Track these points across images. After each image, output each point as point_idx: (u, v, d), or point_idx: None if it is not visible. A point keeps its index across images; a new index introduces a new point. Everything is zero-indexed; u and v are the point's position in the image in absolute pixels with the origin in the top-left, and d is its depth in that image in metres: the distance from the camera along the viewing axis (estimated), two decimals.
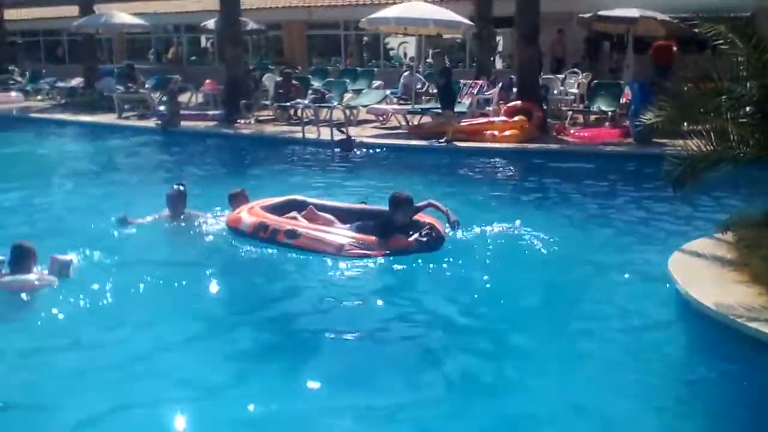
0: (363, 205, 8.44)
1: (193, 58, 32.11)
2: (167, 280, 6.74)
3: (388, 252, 7.14)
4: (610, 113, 16.13)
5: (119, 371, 5.05)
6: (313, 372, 5.19)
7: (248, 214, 8.00)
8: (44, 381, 5.02)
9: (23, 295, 6.18)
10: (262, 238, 7.65)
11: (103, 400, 4.67)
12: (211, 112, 19.33)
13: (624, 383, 5.05)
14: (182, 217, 8.34)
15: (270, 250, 7.50)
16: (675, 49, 15.85)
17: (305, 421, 4.55)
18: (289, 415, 4.61)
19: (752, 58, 5.99)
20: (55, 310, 6.00)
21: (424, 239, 7.24)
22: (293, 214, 8.13)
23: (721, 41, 6.30)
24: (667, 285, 6.22)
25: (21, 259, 6.31)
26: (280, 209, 8.26)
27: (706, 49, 21.94)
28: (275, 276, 7.09)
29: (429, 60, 24.22)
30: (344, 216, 8.09)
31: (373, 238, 7.26)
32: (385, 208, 7.65)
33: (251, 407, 4.67)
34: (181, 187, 8.38)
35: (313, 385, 5.02)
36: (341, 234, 7.50)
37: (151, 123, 18.03)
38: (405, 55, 30.59)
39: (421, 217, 7.66)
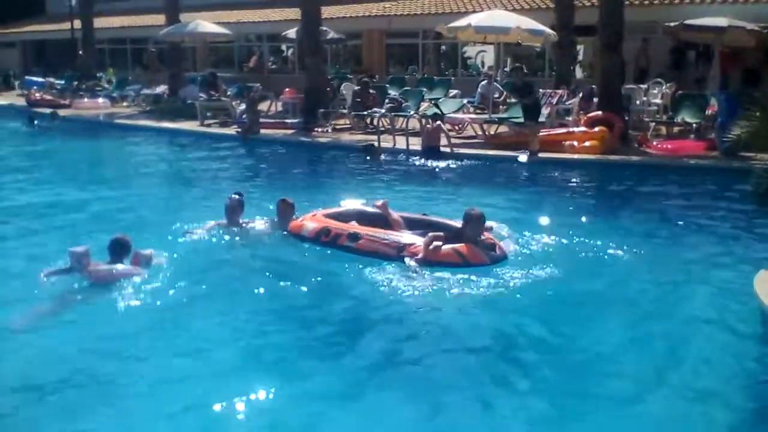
0: (429, 217, 8.37)
1: (274, 66, 32.62)
2: (224, 286, 6.89)
3: (461, 262, 7.04)
4: (694, 125, 15.62)
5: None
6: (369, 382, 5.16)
7: (311, 221, 8.19)
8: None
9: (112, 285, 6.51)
10: (324, 242, 7.81)
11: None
12: (289, 121, 19.59)
13: (704, 402, 4.85)
14: (240, 226, 8.34)
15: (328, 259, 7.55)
16: None
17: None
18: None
19: None
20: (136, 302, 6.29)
21: (497, 254, 7.22)
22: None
23: None
24: (752, 303, 5.95)
25: (120, 251, 6.80)
26: (340, 217, 8.34)
27: None
28: (329, 281, 7.12)
29: (506, 69, 24.04)
30: (409, 226, 8.10)
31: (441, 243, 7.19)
32: (451, 222, 7.79)
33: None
34: (238, 196, 8.44)
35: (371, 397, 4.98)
36: (403, 236, 7.57)
37: (232, 130, 18.36)
38: (483, 64, 30.41)
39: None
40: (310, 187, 11.84)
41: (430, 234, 7.37)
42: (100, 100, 26.09)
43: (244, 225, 8.39)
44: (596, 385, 5.12)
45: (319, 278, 7.20)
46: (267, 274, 7.38)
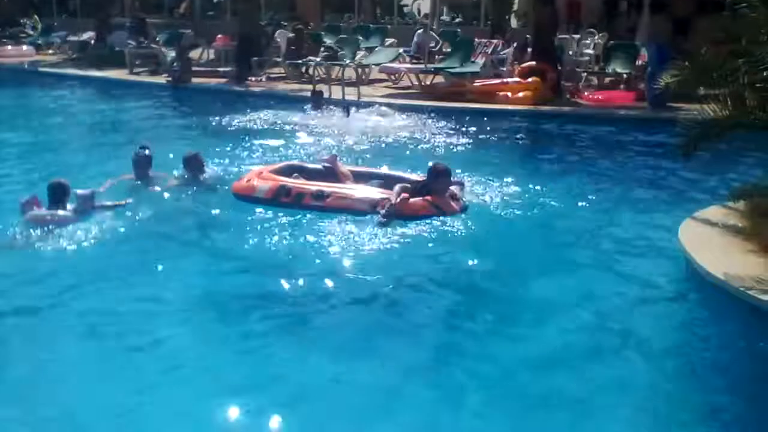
0: (382, 170, 8.31)
1: (210, 13, 31.71)
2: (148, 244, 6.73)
3: (435, 211, 7.06)
4: (625, 75, 15.88)
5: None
6: (323, 342, 5.13)
7: (262, 180, 7.77)
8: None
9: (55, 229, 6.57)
10: (285, 202, 7.44)
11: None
12: (222, 69, 19.16)
13: (631, 350, 5.01)
14: (148, 179, 8.11)
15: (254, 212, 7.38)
16: None
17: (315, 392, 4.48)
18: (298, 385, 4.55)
19: None
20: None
21: (464, 203, 7.34)
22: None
23: (742, 3, 6.09)
24: (677, 252, 6.15)
25: (59, 195, 6.89)
26: (282, 174, 8.00)
27: (724, 10, 21.75)
28: (276, 238, 6.92)
29: (444, 17, 23.95)
30: (359, 180, 7.93)
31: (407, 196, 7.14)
32: (404, 174, 7.87)
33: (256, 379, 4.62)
34: (147, 151, 8.17)
35: (323, 354, 4.94)
36: (374, 191, 7.44)
37: (162, 79, 17.91)
38: (419, 11, 30.20)
39: None
40: (246, 139, 11.63)
41: (398, 186, 7.28)
42: (24, 47, 25.12)
43: (152, 177, 8.15)
44: (517, 338, 5.20)
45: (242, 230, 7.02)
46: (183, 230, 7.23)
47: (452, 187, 7.45)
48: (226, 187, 8.25)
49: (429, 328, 5.34)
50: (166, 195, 7.98)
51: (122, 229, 6.87)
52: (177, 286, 5.88)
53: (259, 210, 7.44)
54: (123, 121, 14.10)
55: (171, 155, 9.13)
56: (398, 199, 7.04)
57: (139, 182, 8.07)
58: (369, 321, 5.43)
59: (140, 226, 7.01)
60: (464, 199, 7.49)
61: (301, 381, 4.53)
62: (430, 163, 7.59)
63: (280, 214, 7.29)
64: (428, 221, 6.99)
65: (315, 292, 5.76)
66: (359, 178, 8.00)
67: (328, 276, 6.01)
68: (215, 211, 7.69)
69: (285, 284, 5.88)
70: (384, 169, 8.44)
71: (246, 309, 5.52)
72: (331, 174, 7.98)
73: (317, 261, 6.26)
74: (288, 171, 8.18)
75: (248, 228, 6.98)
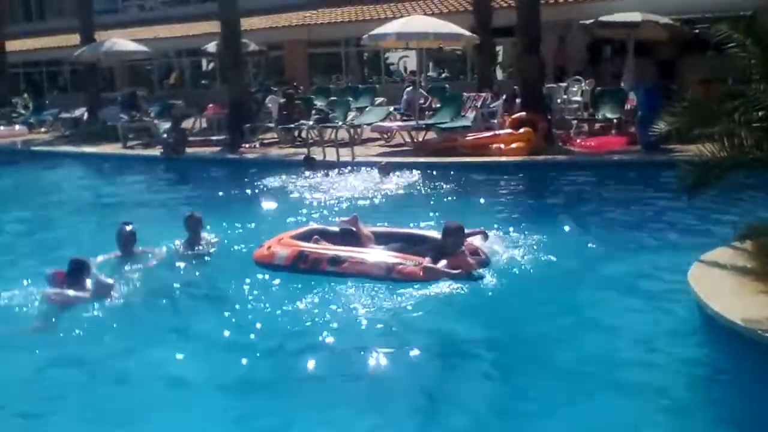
0: (402, 229, 8.26)
1: (203, 82, 32.08)
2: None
3: (453, 274, 6.92)
4: (615, 120, 16.00)
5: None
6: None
7: (281, 246, 7.73)
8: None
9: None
10: (303, 269, 7.38)
11: None
12: (215, 138, 19.23)
13: (649, 402, 4.91)
14: (134, 255, 7.93)
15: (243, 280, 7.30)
16: None
17: None
18: None
19: (764, 60, 5.84)
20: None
21: (483, 258, 7.23)
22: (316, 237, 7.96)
23: (731, 43, 6.14)
24: (687, 298, 6.08)
25: (79, 272, 6.90)
26: (303, 239, 7.94)
27: (707, 50, 22.10)
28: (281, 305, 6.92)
29: (430, 73, 24.24)
30: (381, 241, 7.83)
31: (427, 259, 7.06)
32: (424, 232, 7.82)
33: None
34: (129, 227, 8.04)
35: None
36: (390, 255, 7.32)
37: (156, 151, 17.95)
38: (405, 69, 30.56)
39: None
40: (246, 207, 11.62)
41: (428, 259, 7.16)
42: (17, 127, 25.18)
43: (138, 253, 7.96)
44: (529, 389, 5.17)
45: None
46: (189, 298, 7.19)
47: (474, 239, 7.43)
48: (230, 255, 8.22)
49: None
50: (160, 269, 7.87)
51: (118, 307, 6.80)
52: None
53: (256, 277, 7.39)
54: (118, 197, 14.05)
55: (167, 227, 9.12)
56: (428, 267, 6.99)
57: (125, 258, 7.89)
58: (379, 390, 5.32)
59: (131, 303, 6.92)
60: (486, 249, 7.42)
61: None
62: (443, 222, 7.54)
63: (278, 281, 7.27)
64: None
65: (331, 360, 5.72)
66: (381, 238, 7.90)
67: (337, 343, 5.94)
68: (223, 282, 7.61)
69: (293, 354, 5.83)
70: (405, 229, 8.37)
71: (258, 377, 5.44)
72: (352, 236, 7.89)
73: (329, 327, 6.19)
74: (309, 235, 8.08)
75: (249, 297, 6.96)
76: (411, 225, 8.83)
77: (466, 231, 7.52)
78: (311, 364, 5.73)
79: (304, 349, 5.89)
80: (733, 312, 5.40)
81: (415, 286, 6.78)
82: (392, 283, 6.89)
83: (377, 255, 7.38)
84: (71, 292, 6.76)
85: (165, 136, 18.24)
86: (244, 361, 5.73)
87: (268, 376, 5.49)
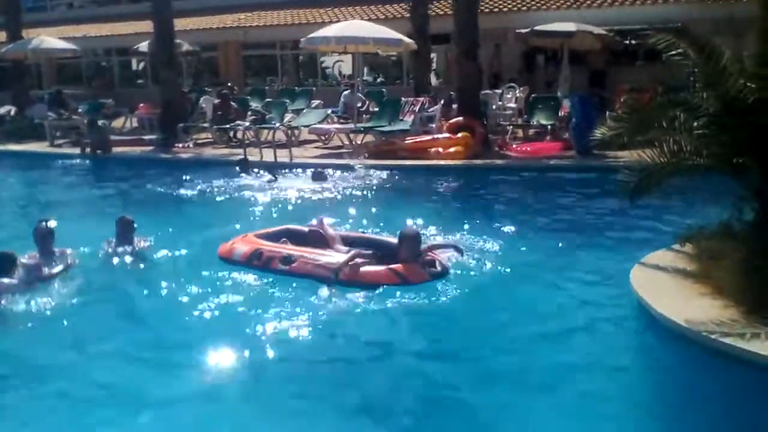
0: (368, 234, 8.18)
1: (139, 81, 31.29)
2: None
3: (399, 282, 6.79)
4: (549, 127, 16.28)
5: None
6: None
7: (242, 243, 7.77)
8: None
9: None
10: (257, 266, 7.41)
11: None
12: (147, 137, 18.79)
13: (595, 405, 4.91)
14: (52, 254, 7.59)
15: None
16: None
17: None
18: None
19: (708, 68, 5.98)
20: None
21: (438, 270, 7.05)
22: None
23: (673, 52, 6.27)
24: (629, 299, 6.17)
25: (7, 265, 6.83)
26: (275, 239, 7.93)
27: (636, 60, 22.73)
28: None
29: (366, 77, 24.26)
30: (348, 245, 7.78)
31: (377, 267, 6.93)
32: (387, 238, 7.70)
33: None
34: (46, 223, 7.74)
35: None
36: (338, 257, 7.20)
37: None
38: (340, 73, 30.53)
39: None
40: (178, 206, 11.34)
41: (354, 251, 7.15)
42: None
43: (57, 254, 7.62)
44: (472, 393, 5.12)
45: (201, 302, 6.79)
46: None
47: (442, 252, 7.32)
48: (156, 257, 8.02)
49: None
50: (88, 270, 7.62)
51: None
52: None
53: (188, 278, 7.22)
54: (44, 195, 13.56)
55: (94, 227, 8.87)
56: (346, 266, 6.90)
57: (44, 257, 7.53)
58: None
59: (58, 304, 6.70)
60: (451, 261, 7.29)
61: None
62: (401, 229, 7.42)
63: (215, 280, 7.15)
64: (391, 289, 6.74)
65: (251, 362, 5.61)
66: (345, 241, 7.84)
67: (264, 345, 5.84)
68: (148, 284, 7.40)
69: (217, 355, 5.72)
70: (368, 234, 8.30)
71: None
72: (319, 237, 7.85)
73: (258, 327, 6.07)
74: (278, 235, 8.09)
75: (180, 298, 6.80)
76: (363, 229, 8.75)
77: (438, 243, 7.55)
78: (240, 369, 5.58)
79: (237, 354, 5.74)
80: (677, 313, 5.49)
81: (363, 291, 6.68)
82: (341, 287, 6.78)
83: (328, 256, 7.28)
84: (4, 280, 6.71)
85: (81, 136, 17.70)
86: (171, 366, 5.57)
87: (196, 383, 5.31)
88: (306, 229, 8.14)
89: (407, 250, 7.05)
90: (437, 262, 7.16)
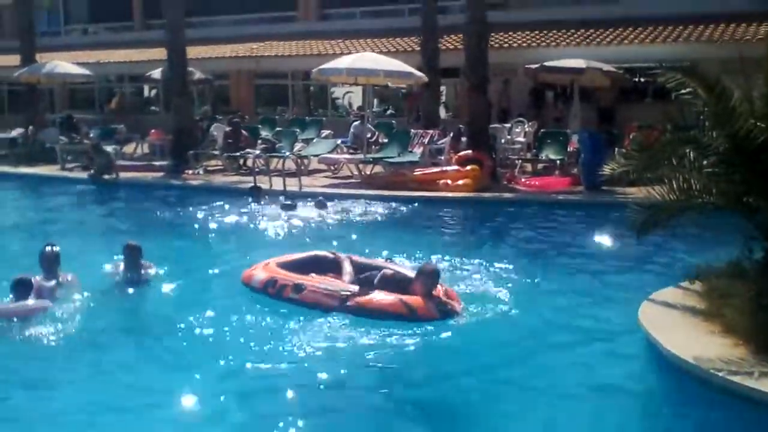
0: (389, 263, 8.09)
1: (153, 108, 31.53)
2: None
3: (406, 312, 6.73)
4: (558, 162, 16.34)
5: None
6: None
7: (261, 270, 7.78)
8: None
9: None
10: (271, 294, 7.43)
11: None
12: (158, 163, 18.91)
13: None
14: (59, 280, 7.59)
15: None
16: None
17: None
18: None
19: (717, 107, 6.04)
20: None
21: (448, 309, 6.90)
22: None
23: (683, 91, 6.33)
24: (638, 336, 6.16)
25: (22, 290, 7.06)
26: (300, 266, 7.90)
27: (646, 98, 22.86)
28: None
29: (376, 109, 24.43)
30: (362, 271, 7.64)
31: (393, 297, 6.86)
32: (401, 268, 7.67)
33: None
34: (52, 248, 7.78)
35: None
36: (348, 287, 7.18)
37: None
38: (350, 104, 30.71)
39: None
40: (187, 233, 11.39)
41: (358, 277, 7.17)
42: None
43: (63, 279, 7.63)
44: None
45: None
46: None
47: (449, 290, 7.21)
48: (163, 283, 8.05)
49: None
50: (96, 294, 7.65)
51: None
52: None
53: (195, 306, 7.33)
54: (52, 219, 13.59)
55: (101, 251, 8.95)
56: (355, 296, 6.90)
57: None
58: None
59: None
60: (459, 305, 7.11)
61: None
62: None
63: (223, 309, 7.21)
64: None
65: (266, 394, 5.60)
66: (360, 269, 7.71)
67: (275, 375, 5.86)
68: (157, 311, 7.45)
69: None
70: (384, 262, 8.20)
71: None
72: (335, 265, 7.89)
73: (268, 358, 6.09)
74: (305, 263, 8.06)
75: (186, 325, 6.85)
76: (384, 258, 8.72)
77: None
78: (242, 397, 5.56)
79: (241, 383, 5.77)
80: (684, 350, 5.49)
81: (370, 323, 6.66)
82: (348, 317, 6.79)
83: (336, 285, 7.25)
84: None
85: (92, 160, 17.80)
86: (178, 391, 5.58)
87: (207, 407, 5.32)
88: (332, 255, 8.14)
89: (423, 284, 6.97)
90: (450, 304, 7.00)
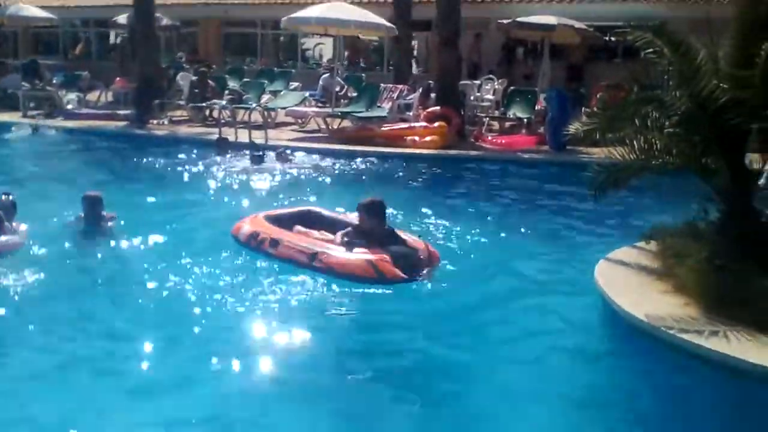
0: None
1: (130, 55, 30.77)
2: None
3: (374, 275, 6.66)
4: (525, 120, 16.33)
5: None
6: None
7: (249, 223, 7.78)
8: None
9: None
10: (253, 247, 7.46)
11: None
12: (122, 112, 18.57)
13: (551, 395, 5.01)
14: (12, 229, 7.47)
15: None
16: None
17: None
18: None
19: (682, 66, 6.05)
20: None
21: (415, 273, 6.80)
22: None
23: (650, 50, 6.32)
24: (593, 293, 6.25)
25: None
26: (288, 220, 7.85)
27: (616, 57, 22.87)
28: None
29: (345, 62, 24.16)
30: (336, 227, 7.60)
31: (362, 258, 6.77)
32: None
33: None
34: (8, 196, 7.69)
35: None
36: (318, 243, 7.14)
37: (59, 122, 17.20)
38: (321, 56, 30.36)
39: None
40: (150, 183, 11.26)
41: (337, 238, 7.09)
42: None
43: (16, 227, 7.50)
44: (439, 380, 5.21)
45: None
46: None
47: (417, 247, 7.11)
48: (124, 233, 7.94)
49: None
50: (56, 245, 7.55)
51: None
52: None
53: (157, 256, 7.29)
54: (12, 167, 13.34)
55: (61, 201, 8.83)
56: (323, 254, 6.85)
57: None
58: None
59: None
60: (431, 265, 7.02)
61: None
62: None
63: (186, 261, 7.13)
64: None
65: (233, 350, 5.55)
66: (336, 225, 7.67)
67: (242, 330, 5.86)
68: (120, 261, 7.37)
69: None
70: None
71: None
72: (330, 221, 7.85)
73: (233, 313, 6.08)
74: (294, 217, 8.02)
75: (148, 276, 6.80)
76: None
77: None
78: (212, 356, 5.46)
79: (208, 338, 5.72)
80: (637, 308, 5.58)
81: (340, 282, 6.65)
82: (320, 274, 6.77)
83: (307, 242, 7.21)
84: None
85: (69, 106, 17.49)
86: (142, 344, 5.56)
87: (176, 368, 5.26)
88: (326, 212, 8.13)
89: (368, 221, 7.05)
90: (419, 252, 7.00)
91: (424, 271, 6.88)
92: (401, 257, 6.82)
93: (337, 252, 6.91)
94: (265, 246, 7.32)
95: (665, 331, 5.23)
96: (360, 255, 6.82)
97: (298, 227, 7.62)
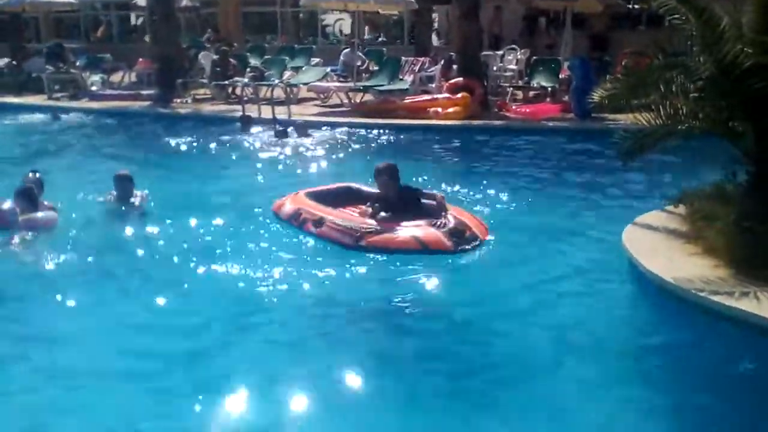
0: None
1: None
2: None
3: (419, 246, 6.71)
4: (549, 89, 16.25)
5: None
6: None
7: (291, 202, 7.80)
8: None
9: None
10: (296, 226, 7.47)
11: None
12: (145, 92, 18.72)
13: (581, 355, 5.07)
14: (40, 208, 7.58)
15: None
16: None
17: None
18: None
19: (706, 32, 6.01)
20: None
21: (463, 241, 6.83)
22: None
23: (674, 16, 6.29)
24: (622, 258, 6.28)
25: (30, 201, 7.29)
26: (329, 197, 7.88)
27: (639, 25, 22.62)
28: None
29: (366, 36, 24.10)
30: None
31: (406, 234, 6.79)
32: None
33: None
34: (35, 174, 7.85)
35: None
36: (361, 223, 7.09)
37: (84, 103, 17.38)
38: (341, 32, 30.32)
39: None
40: (177, 161, 11.39)
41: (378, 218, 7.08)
42: None
43: (45, 206, 7.60)
44: (472, 343, 5.29)
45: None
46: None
47: (456, 216, 7.12)
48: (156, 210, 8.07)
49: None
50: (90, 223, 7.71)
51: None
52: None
53: (188, 233, 7.38)
54: (42, 147, 13.55)
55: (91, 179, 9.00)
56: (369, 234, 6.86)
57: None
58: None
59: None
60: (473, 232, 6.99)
61: None
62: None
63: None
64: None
65: (276, 325, 5.63)
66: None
67: (281, 306, 5.89)
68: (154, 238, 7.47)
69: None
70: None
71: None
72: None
73: (275, 290, 6.10)
74: (334, 194, 8.05)
75: (181, 255, 6.87)
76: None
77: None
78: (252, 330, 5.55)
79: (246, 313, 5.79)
80: (666, 272, 5.61)
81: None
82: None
83: (351, 222, 7.15)
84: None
85: (94, 88, 17.66)
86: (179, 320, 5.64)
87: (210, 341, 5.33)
88: (366, 188, 8.07)
89: (385, 186, 7.18)
90: (466, 227, 6.98)
91: (471, 244, 6.90)
92: (452, 230, 6.86)
93: (381, 230, 6.90)
94: (308, 227, 7.31)
95: (695, 294, 5.26)
96: (405, 230, 6.85)
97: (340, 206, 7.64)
